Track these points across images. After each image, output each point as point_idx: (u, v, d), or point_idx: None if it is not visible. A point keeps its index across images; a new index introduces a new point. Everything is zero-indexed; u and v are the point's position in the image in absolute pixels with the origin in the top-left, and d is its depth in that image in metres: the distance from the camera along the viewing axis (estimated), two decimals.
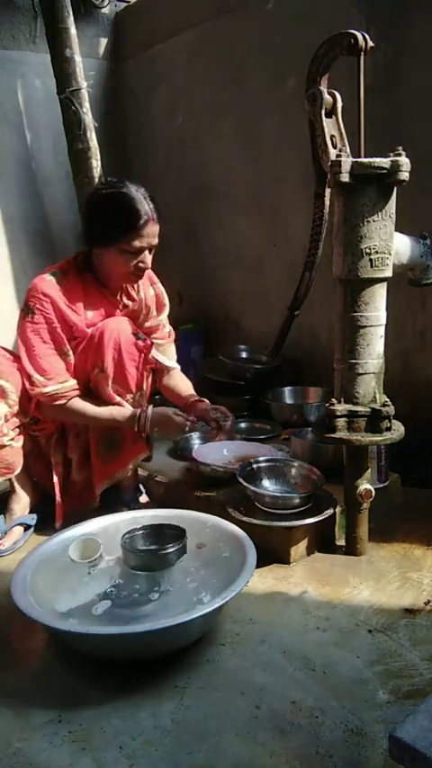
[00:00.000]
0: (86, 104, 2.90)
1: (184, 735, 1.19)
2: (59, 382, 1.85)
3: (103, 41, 3.47)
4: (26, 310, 1.86)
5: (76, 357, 1.90)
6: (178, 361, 2.27)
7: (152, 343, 2.01)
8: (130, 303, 2.03)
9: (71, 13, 2.83)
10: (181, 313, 3.45)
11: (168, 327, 2.20)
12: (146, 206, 1.81)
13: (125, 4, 3.48)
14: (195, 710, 1.25)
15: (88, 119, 2.90)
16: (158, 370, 2.17)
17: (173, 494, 2.11)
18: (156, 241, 1.88)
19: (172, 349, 2.23)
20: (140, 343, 1.92)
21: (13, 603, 1.38)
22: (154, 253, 1.92)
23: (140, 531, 1.67)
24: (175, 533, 1.65)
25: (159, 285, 2.16)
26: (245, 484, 1.85)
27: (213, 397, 2.27)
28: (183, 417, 1.94)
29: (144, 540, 1.67)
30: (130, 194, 1.81)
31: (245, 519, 1.76)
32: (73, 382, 1.88)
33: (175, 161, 3.37)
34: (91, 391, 1.93)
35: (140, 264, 1.87)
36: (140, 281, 2.02)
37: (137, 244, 1.83)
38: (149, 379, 2.03)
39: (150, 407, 1.92)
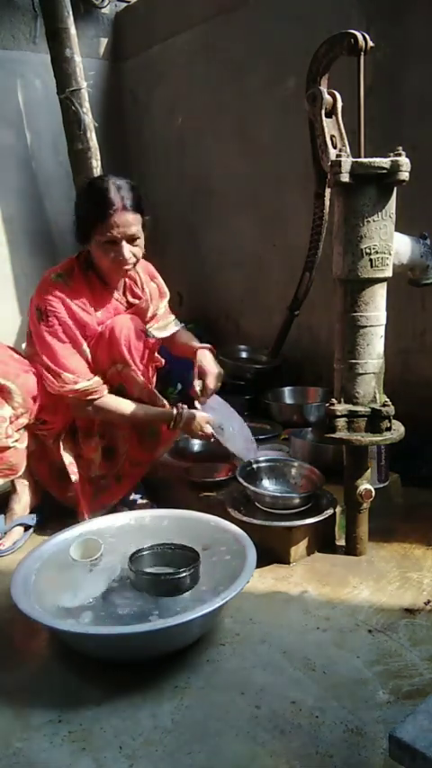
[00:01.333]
0: (86, 104, 2.90)
1: (184, 735, 1.19)
2: (87, 379, 1.86)
3: (103, 41, 3.47)
4: (39, 315, 1.86)
5: (90, 354, 1.92)
6: (180, 362, 2.27)
7: (158, 341, 2.03)
8: (136, 301, 2.04)
9: (71, 13, 2.83)
10: (181, 313, 3.45)
11: (160, 314, 2.20)
12: (116, 195, 1.78)
13: (125, 4, 3.48)
14: (195, 710, 1.25)
15: (88, 119, 2.90)
16: (170, 344, 2.22)
17: (173, 494, 2.11)
18: (131, 231, 1.81)
19: (170, 318, 2.23)
20: (148, 340, 1.94)
21: (13, 603, 1.38)
22: (141, 245, 1.88)
23: (148, 552, 1.63)
24: (185, 553, 1.61)
25: (159, 279, 2.17)
26: (245, 484, 1.85)
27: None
28: (211, 429, 1.99)
29: (152, 561, 1.62)
30: (100, 186, 1.81)
31: (245, 519, 1.76)
32: (98, 380, 1.89)
33: (175, 161, 3.37)
34: (112, 390, 1.94)
35: (119, 258, 1.83)
36: (141, 278, 2.03)
37: (108, 234, 1.79)
38: (154, 376, 2.03)
39: (186, 412, 1.94)
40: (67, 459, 1.98)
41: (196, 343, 2.16)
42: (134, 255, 1.86)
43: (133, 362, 1.90)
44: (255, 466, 1.97)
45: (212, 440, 2.03)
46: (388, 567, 1.75)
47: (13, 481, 2.03)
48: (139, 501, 2.11)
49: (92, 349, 1.91)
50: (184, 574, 1.49)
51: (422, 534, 1.91)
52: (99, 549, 1.63)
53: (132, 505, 2.07)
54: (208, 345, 2.15)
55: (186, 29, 3.09)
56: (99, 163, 2.97)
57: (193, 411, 1.98)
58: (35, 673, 1.39)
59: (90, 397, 1.88)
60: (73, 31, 2.84)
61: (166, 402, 2.01)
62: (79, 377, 1.85)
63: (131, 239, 1.83)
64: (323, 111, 1.78)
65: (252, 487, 1.85)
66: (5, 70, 3.07)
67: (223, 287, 3.25)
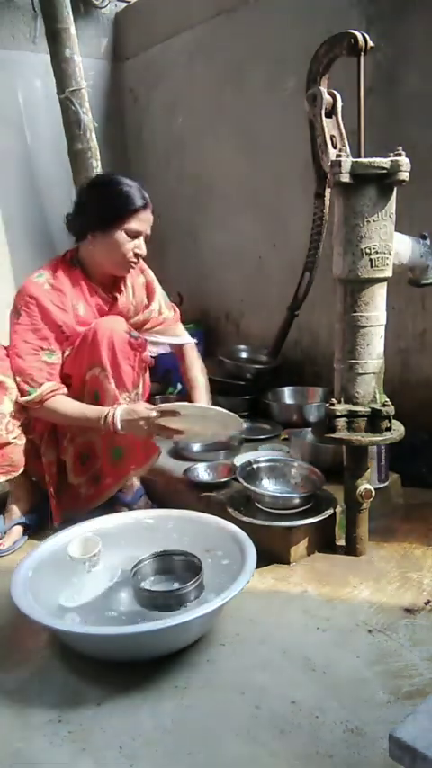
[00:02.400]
0: (86, 104, 2.90)
1: (184, 735, 1.19)
2: (36, 387, 1.85)
3: (103, 41, 3.47)
4: (14, 312, 1.88)
5: (70, 357, 1.91)
6: (178, 361, 2.27)
7: (146, 341, 2.00)
8: (118, 295, 2.04)
9: (71, 13, 2.83)
10: (181, 313, 3.46)
11: (166, 313, 2.21)
12: (143, 193, 1.88)
13: (125, 4, 3.48)
14: (195, 710, 1.25)
15: (88, 119, 2.90)
16: (177, 356, 2.23)
17: (173, 494, 2.11)
18: (149, 230, 1.92)
19: (178, 328, 2.25)
20: (134, 341, 1.92)
21: (13, 603, 1.38)
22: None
23: (149, 560, 1.60)
24: (187, 560, 1.59)
25: (149, 272, 2.17)
26: (245, 484, 1.85)
27: (214, 397, 2.27)
28: (150, 409, 1.84)
29: (154, 570, 1.61)
30: (126, 181, 1.88)
31: (245, 519, 1.76)
32: (49, 385, 1.87)
33: (175, 161, 3.37)
34: (90, 394, 1.92)
35: (137, 251, 1.90)
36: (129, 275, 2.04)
37: (135, 226, 1.86)
38: (146, 376, 2.02)
39: (120, 406, 1.85)
40: (45, 459, 1.99)
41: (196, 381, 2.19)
42: None
43: (112, 368, 1.87)
44: (255, 466, 1.97)
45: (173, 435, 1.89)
46: (388, 567, 1.75)
47: (11, 481, 2.03)
48: (139, 501, 2.11)
49: (75, 350, 1.90)
50: (188, 589, 1.47)
51: (422, 534, 1.91)
52: (97, 547, 1.63)
53: (132, 506, 2.06)
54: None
55: (186, 29, 3.09)
56: (99, 163, 2.97)
57: (130, 404, 1.88)
58: (35, 673, 1.39)
59: (37, 407, 1.87)
60: (73, 31, 2.83)
61: None
62: (28, 382, 1.84)
63: (147, 238, 1.93)
64: (323, 111, 1.78)
65: (252, 487, 1.85)
66: (5, 70, 3.07)
67: (223, 287, 3.25)
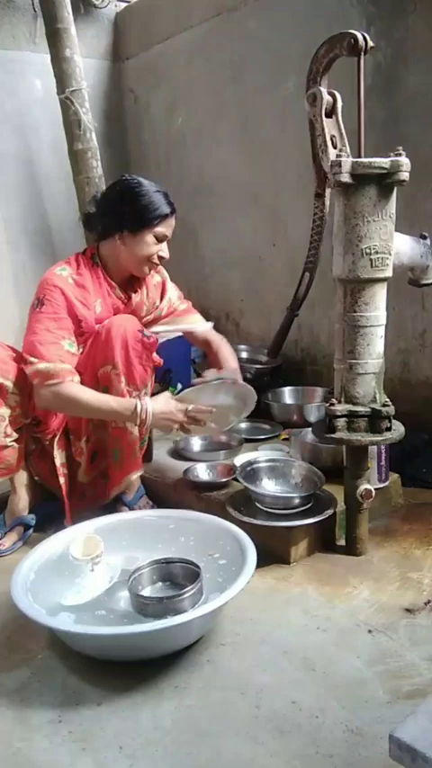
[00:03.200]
0: (86, 104, 2.90)
1: (184, 735, 1.19)
2: (52, 362, 1.80)
3: (103, 41, 3.47)
4: (36, 303, 1.87)
5: (84, 353, 1.91)
6: (181, 362, 2.26)
7: (156, 339, 2.00)
8: (133, 294, 2.06)
9: (71, 13, 2.83)
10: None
11: (177, 303, 2.23)
12: (170, 199, 1.97)
13: (125, 4, 3.48)
14: (195, 710, 1.25)
15: (88, 119, 2.90)
16: (199, 344, 2.25)
17: (173, 494, 2.11)
18: (170, 235, 1.99)
19: (195, 317, 2.26)
20: (146, 340, 1.92)
21: (14, 603, 1.38)
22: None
23: (147, 569, 1.58)
24: (186, 567, 1.56)
25: (163, 272, 2.20)
26: (245, 484, 1.85)
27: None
28: (182, 413, 1.88)
29: (152, 578, 1.58)
30: (156, 187, 1.96)
31: (245, 519, 1.76)
32: (68, 366, 1.84)
33: (175, 161, 3.36)
34: (99, 390, 1.92)
35: (161, 254, 1.97)
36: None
37: (163, 230, 1.94)
38: (153, 375, 2.03)
39: (148, 399, 1.87)
40: (59, 460, 1.98)
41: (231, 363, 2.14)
42: None
43: (124, 366, 1.87)
44: (255, 466, 1.97)
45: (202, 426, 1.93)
46: (388, 567, 1.75)
47: (12, 481, 2.03)
48: (140, 501, 2.11)
49: (88, 347, 1.91)
50: (185, 596, 1.43)
51: (422, 534, 1.91)
52: (99, 548, 1.63)
53: (132, 506, 2.06)
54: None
55: (186, 29, 3.09)
56: (99, 163, 2.97)
57: (161, 400, 1.89)
58: (35, 673, 1.39)
59: (49, 382, 1.79)
60: (73, 31, 2.84)
61: (136, 430, 1.96)
62: (46, 360, 1.80)
63: (168, 242, 2.00)
64: (323, 111, 1.78)
65: (252, 487, 1.85)
66: (5, 70, 3.07)
67: (223, 287, 3.25)
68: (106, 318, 1.94)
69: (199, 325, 2.24)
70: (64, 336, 1.85)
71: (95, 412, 1.87)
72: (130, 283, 2.07)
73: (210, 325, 2.26)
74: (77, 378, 1.87)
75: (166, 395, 1.96)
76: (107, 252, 1.98)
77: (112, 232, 1.94)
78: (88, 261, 1.98)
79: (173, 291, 2.22)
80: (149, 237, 1.92)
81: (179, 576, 1.58)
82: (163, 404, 1.88)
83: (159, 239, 1.94)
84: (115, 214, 1.93)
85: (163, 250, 1.97)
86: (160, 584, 1.58)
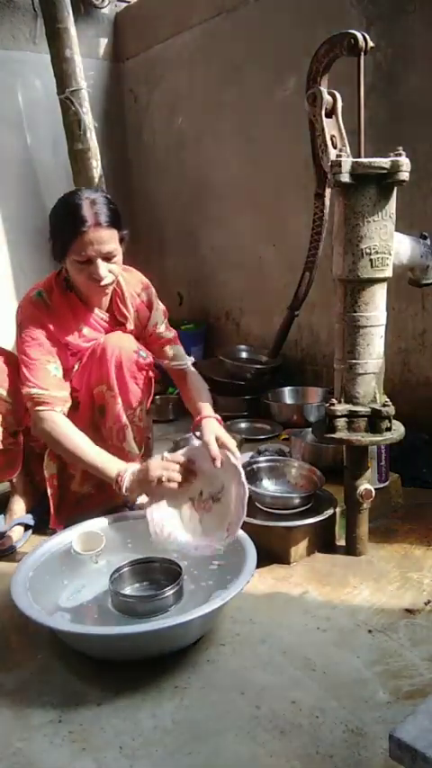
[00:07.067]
0: (86, 104, 2.90)
1: (184, 735, 1.19)
2: (41, 389, 1.76)
3: (103, 41, 3.47)
4: (18, 330, 1.82)
5: (80, 370, 1.88)
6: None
7: (152, 361, 1.94)
8: (119, 317, 1.94)
9: (71, 13, 2.83)
10: (181, 313, 3.46)
11: (163, 333, 2.03)
12: (89, 211, 1.68)
13: (125, 4, 3.48)
14: (195, 710, 1.25)
15: (88, 119, 2.90)
16: (172, 375, 2.07)
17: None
18: (107, 248, 1.71)
19: (176, 350, 2.05)
20: (141, 361, 1.87)
21: (14, 603, 1.38)
22: (119, 261, 1.78)
23: (128, 568, 1.56)
24: (168, 568, 1.55)
25: (151, 291, 2.01)
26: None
27: (214, 397, 2.26)
28: (159, 467, 1.67)
29: (134, 579, 1.57)
30: (72, 201, 1.71)
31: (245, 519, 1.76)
32: (57, 393, 1.77)
33: (175, 161, 3.37)
34: (95, 408, 1.90)
35: (93, 275, 1.72)
36: (125, 295, 1.91)
37: (83, 253, 1.69)
38: (151, 391, 1.98)
39: (131, 470, 1.67)
40: (48, 471, 1.93)
41: (203, 408, 1.88)
42: (111, 273, 1.76)
43: (119, 387, 1.83)
44: (255, 466, 1.97)
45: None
46: (388, 567, 1.75)
47: (12, 481, 2.03)
48: (139, 501, 2.11)
49: (83, 364, 1.87)
50: (167, 594, 1.44)
51: (422, 534, 1.91)
52: (101, 543, 1.63)
53: (132, 506, 2.06)
54: (215, 415, 1.86)
55: (186, 29, 3.09)
56: (99, 163, 2.98)
57: (143, 470, 1.66)
58: (35, 673, 1.39)
59: (39, 407, 1.74)
60: (73, 31, 2.84)
61: (135, 448, 1.91)
62: (38, 387, 1.76)
63: (108, 257, 1.73)
64: (323, 111, 1.78)
65: (252, 488, 1.85)
66: (5, 70, 3.07)
67: (223, 287, 3.25)
68: (97, 337, 1.87)
69: (179, 362, 2.04)
70: (49, 361, 1.79)
71: (77, 458, 1.75)
72: (116, 307, 1.92)
73: (190, 360, 2.06)
74: (68, 405, 1.81)
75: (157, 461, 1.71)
76: (70, 276, 1.82)
77: (54, 259, 1.80)
78: (61, 287, 1.85)
79: (158, 315, 2.02)
80: (71, 263, 1.73)
81: (160, 576, 1.57)
82: (142, 474, 1.67)
83: (83, 262, 1.71)
84: (49, 241, 1.78)
85: (95, 272, 1.71)
86: (137, 585, 1.58)
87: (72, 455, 1.75)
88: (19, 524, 2.00)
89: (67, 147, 2.97)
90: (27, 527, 2.01)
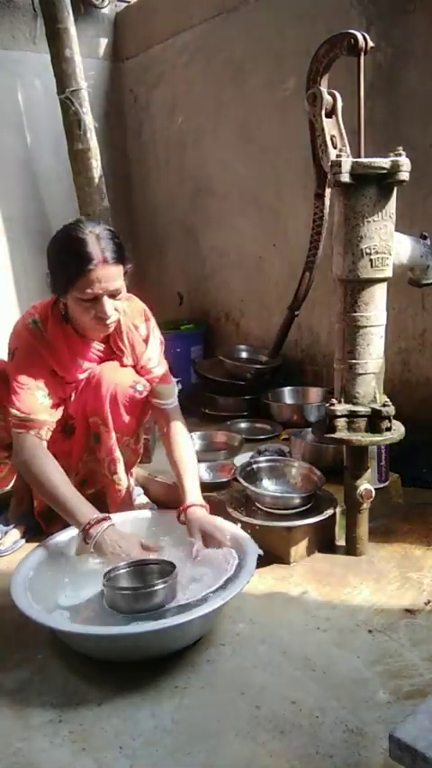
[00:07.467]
0: (86, 104, 2.90)
1: (184, 735, 1.19)
2: (24, 413, 1.71)
3: (103, 41, 3.47)
4: (9, 354, 1.79)
5: (76, 398, 1.86)
6: (181, 362, 2.21)
7: (147, 396, 1.87)
8: (116, 351, 1.87)
9: (71, 13, 2.83)
10: (181, 313, 3.46)
11: (154, 369, 1.90)
12: (96, 247, 1.59)
13: (125, 4, 3.48)
14: (195, 710, 1.25)
15: (88, 119, 2.90)
16: (153, 411, 1.93)
17: (172, 494, 2.11)
18: (115, 285, 1.64)
19: (163, 389, 1.91)
20: (138, 396, 1.83)
21: (13, 603, 1.38)
22: (123, 296, 1.72)
23: (124, 570, 1.54)
24: (162, 568, 1.53)
25: (152, 322, 1.90)
26: (245, 484, 1.85)
27: (214, 397, 2.25)
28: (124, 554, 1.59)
29: (129, 581, 1.54)
30: (77, 236, 1.61)
31: (245, 519, 1.76)
32: (46, 418, 1.73)
33: (175, 161, 3.37)
34: (90, 435, 1.88)
35: (99, 315, 1.65)
36: (123, 328, 1.82)
37: (89, 291, 1.61)
38: (148, 411, 1.93)
39: (100, 530, 1.58)
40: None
41: (188, 492, 1.76)
42: (116, 310, 1.70)
43: (114, 421, 1.81)
44: (255, 466, 1.97)
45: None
46: (388, 567, 1.75)
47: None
48: (139, 501, 2.11)
49: (80, 391, 1.85)
50: (157, 587, 1.43)
51: (422, 534, 1.91)
52: None
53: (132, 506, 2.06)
54: (200, 501, 1.74)
55: (186, 29, 3.09)
56: (99, 163, 2.98)
57: (109, 538, 1.58)
58: (35, 673, 1.39)
59: (17, 429, 1.70)
60: (73, 31, 2.84)
61: (123, 480, 1.88)
62: (22, 411, 1.70)
63: (114, 294, 1.66)
64: (323, 111, 1.78)
65: (252, 488, 1.85)
66: (5, 70, 3.07)
67: (223, 287, 3.25)
68: (92, 367, 1.84)
69: (162, 401, 1.91)
70: (39, 388, 1.74)
71: (48, 494, 1.67)
72: (112, 339, 1.85)
73: (174, 403, 1.93)
74: (50, 430, 1.75)
75: (136, 537, 1.66)
76: (69, 310, 1.74)
77: (53, 293, 1.73)
78: (58, 319, 1.76)
79: (153, 350, 1.90)
80: (75, 302, 1.66)
81: (154, 577, 1.54)
82: (117, 538, 1.61)
83: (88, 300, 1.63)
84: (49, 274, 1.71)
85: (101, 311, 1.64)
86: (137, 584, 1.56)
87: (44, 487, 1.66)
88: (19, 524, 2.00)
89: (67, 147, 2.97)
90: (27, 528, 2.01)
